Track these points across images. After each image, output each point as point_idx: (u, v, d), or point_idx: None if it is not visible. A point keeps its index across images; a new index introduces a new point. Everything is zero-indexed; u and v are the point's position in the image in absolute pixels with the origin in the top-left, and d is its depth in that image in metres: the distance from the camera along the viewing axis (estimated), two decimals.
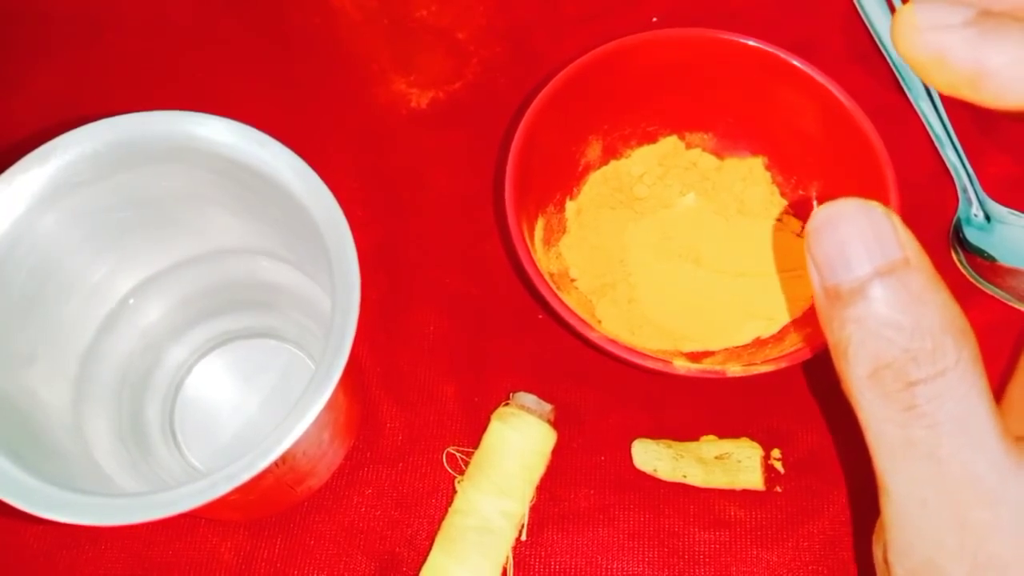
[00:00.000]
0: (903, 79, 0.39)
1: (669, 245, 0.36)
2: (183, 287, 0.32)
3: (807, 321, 0.33)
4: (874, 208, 0.21)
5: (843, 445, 0.33)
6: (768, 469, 0.33)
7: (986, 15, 0.19)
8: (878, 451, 0.21)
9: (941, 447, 0.20)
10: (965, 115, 0.38)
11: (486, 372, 0.35)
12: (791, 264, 0.35)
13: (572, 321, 0.30)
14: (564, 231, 0.36)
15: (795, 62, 0.33)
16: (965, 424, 0.20)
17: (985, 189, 0.37)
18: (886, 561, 0.22)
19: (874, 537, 0.25)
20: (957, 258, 0.36)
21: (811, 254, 0.21)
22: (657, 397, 0.34)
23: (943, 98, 0.39)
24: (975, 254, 0.36)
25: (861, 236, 0.20)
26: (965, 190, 0.37)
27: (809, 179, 0.36)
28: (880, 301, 0.20)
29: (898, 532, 0.21)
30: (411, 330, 0.36)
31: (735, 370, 0.29)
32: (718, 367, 0.29)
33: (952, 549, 0.20)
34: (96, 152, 0.26)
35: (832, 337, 0.21)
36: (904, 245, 0.20)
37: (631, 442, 0.33)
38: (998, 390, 0.25)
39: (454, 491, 0.32)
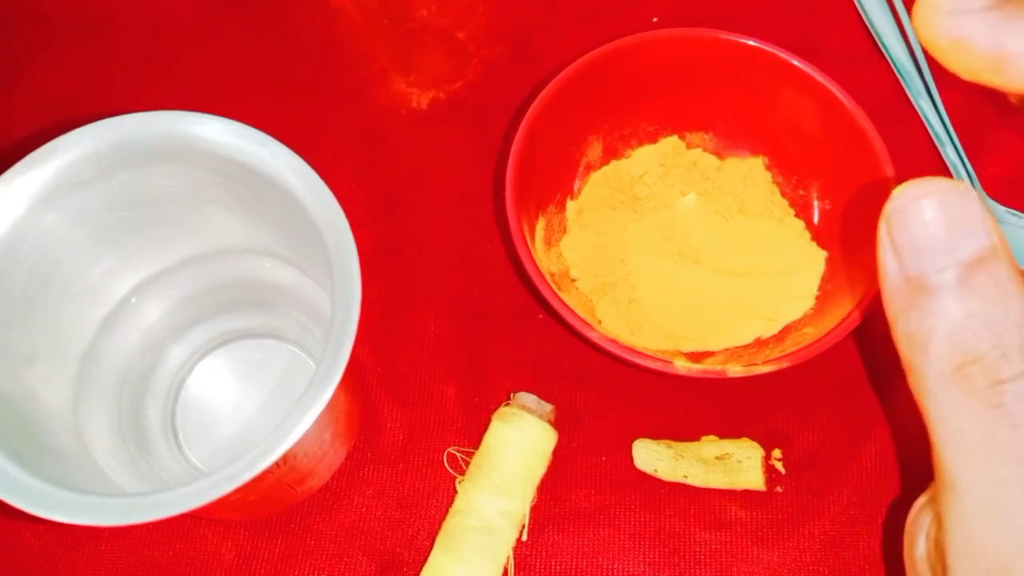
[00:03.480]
0: (903, 79, 0.39)
1: (669, 245, 0.36)
2: (184, 287, 0.32)
3: (808, 321, 0.33)
4: (964, 189, 0.19)
5: (843, 445, 0.33)
6: (769, 469, 0.33)
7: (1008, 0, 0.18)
8: (951, 449, 0.20)
9: None
10: (965, 115, 0.38)
11: (486, 372, 0.35)
12: (791, 264, 0.35)
13: (572, 321, 0.30)
14: (565, 231, 0.36)
15: (795, 62, 0.33)
16: None
17: (985, 189, 0.37)
18: (944, 566, 0.21)
19: (909, 536, 0.24)
20: None
21: (892, 238, 0.20)
22: (657, 397, 0.34)
23: (943, 98, 0.39)
24: None
25: (950, 221, 0.19)
26: None
27: (809, 179, 0.36)
28: (969, 293, 0.19)
29: (967, 534, 0.20)
30: (411, 330, 0.36)
31: (735, 370, 0.29)
32: (718, 367, 0.29)
33: None
34: (97, 152, 0.26)
35: (906, 328, 0.20)
36: (991, 232, 0.19)
37: (631, 442, 0.33)
38: None
39: (455, 491, 0.32)
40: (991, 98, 0.38)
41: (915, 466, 0.33)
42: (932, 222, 0.19)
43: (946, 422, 0.20)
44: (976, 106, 0.39)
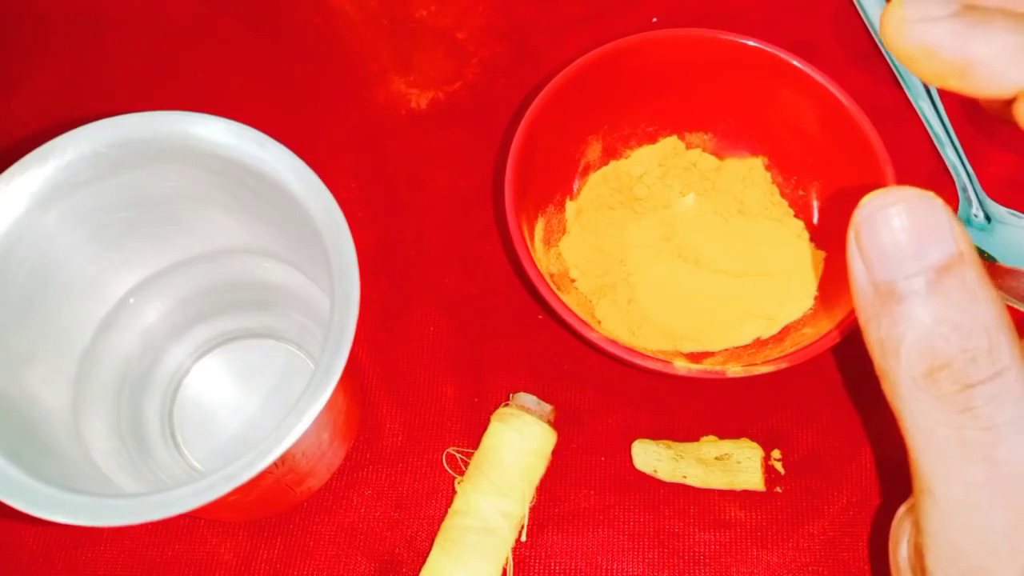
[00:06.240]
0: (903, 79, 0.39)
1: (669, 245, 0.36)
2: (183, 287, 0.32)
3: (807, 321, 0.33)
4: (930, 198, 0.20)
5: (843, 445, 0.33)
6: (768, 470, 0.33)
7: (971, 8, 0.19)
8: (926, 454, 0.20)
9: (998, 450, 0.19)
10: (965, 115, 0.38)
11: (486, 372, 0.35)
12: (791, 264, 0.35)
13: (572, 321, 0.30)
14: (564, 231, 0.36)
15: (795, 62, 0.33)
16: (1022, 425, 0.19)
17: (985, 189, 0.37)
18: (923, 569, 0.22)
19: (894, 541, 0.24)
20: None
21: (861, 246, 0.20)
22: (657, 397, 0.34)
23: (942, 98, 0.39)
24: None
25: (917, 228, 0.19)
26: (965, 190, 0.37)
27: (809, 179, 0.36)
28: (938, 298, 0.19)
29: (944, 537, 0.21)
30: (411, 330, 0.36)
31: (735, 370, 0.29)
32: (718, 367, 0.29)
33: (1004, 554, 0.20)
34: (96, 152, 0.26)
35: (877, 334, 0.20)
36: (958, 239, 0.19)
37: (631, 442, 0.33)
38: None
39: (454, 492, 0.32)
40: (966, 105, 0.38)
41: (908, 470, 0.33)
42: (900, 230, 0.19)
43: (919, 427, 0.20)
44: (975, 107, 0.39)
